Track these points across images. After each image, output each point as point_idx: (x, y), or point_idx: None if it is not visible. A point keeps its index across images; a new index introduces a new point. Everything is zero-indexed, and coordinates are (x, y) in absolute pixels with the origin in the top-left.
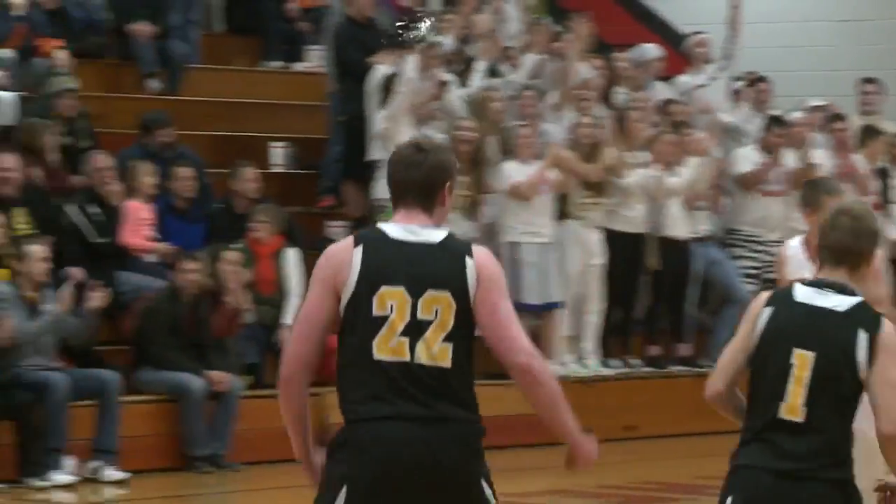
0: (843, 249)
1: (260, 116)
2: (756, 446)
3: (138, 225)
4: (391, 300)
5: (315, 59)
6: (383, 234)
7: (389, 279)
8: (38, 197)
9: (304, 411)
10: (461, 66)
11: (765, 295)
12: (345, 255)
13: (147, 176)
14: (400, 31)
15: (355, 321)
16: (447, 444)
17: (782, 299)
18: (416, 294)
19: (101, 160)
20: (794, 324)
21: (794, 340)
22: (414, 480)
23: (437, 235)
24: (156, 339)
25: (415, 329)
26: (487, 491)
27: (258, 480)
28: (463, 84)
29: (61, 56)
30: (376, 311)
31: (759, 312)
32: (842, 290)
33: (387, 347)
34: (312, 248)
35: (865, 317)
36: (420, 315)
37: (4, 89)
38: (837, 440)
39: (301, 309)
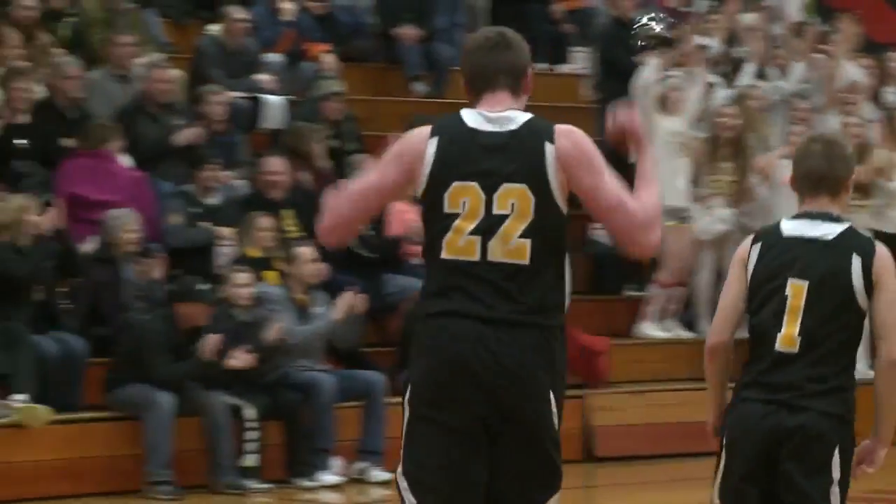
0: (818, 176)
1: None
2: (755, 382)
3: (405, 227)
4: (464, 197)
5: (580, 60)
6: (460, 123)
7: (462, 174)
8: (306, 199)
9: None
10: (727, 67)
11: (750, 237)
12: (420, 146)
13: None
14: (636, 34)
15: (429, 217)
16: (511, 347)
17: (770, 235)
18: (490, 189)
19: (368, 163)
20: (785, 256)
21: (787, 272)
22: (470, 378)
23: (517, 121)
24: None
25: (489, 225)
26: (554, 406)
27: None
28: (729, 86)
29: (328, 60)
30: (448, 209)
31: (748, 253)
32: (828, 217)
33: (455, 246)
34: (575, 251)
35: (857, 242)
36: (496, 210)
37: (273, 94)
38: (833, 371)
39: (362, 176)
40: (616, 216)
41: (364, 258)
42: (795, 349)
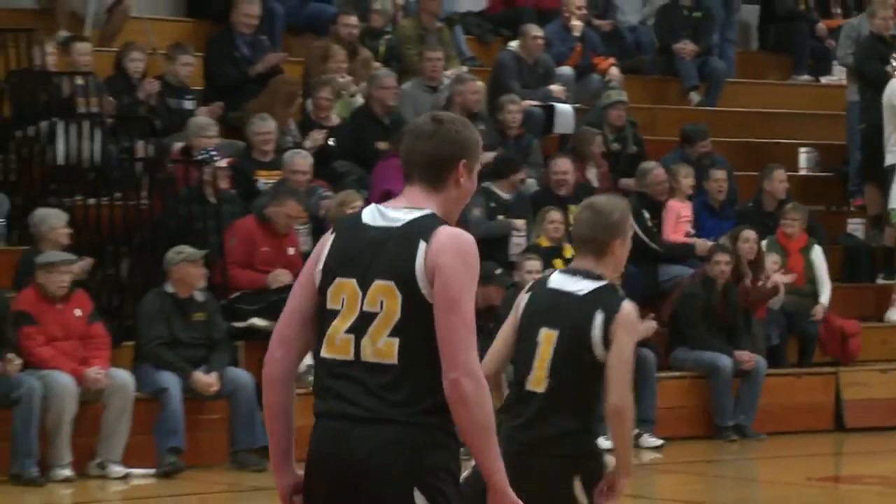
0: (583, 240)
1: (788, 126)
2: (507, 417)
3: (679, 222)
4: (343, 293)
5: (840, 72)
6: (358, 219)
7: (344, 270)
8: (588, 196)
9: (284, 407)
10: None
11: (529, 284)
12: (323, 244)
13: (686, 177)
14: None
15: (320, 312)
16: (375, 445)
17: (539, 285)
18: (364, 285)
19: (651, 166)
20: (543, 306)
21: (542, 320)
22: (337, 480)
23: (405, 217)
24: (690, 321)
25: (361, 323)
26: (421, 500)
27: (778, 449)
28: None
29: (614, 72)
30: (329, 305)
31: (522, 298)
32: (587, 275)
33: (333, 345)
34: (833, 244)
35: (604, 299)
36: (366, 308)
37: (564, 102)
38: (573, 414)
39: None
40: (444, 333)
41: (651, 251)
42: (542, 390)
